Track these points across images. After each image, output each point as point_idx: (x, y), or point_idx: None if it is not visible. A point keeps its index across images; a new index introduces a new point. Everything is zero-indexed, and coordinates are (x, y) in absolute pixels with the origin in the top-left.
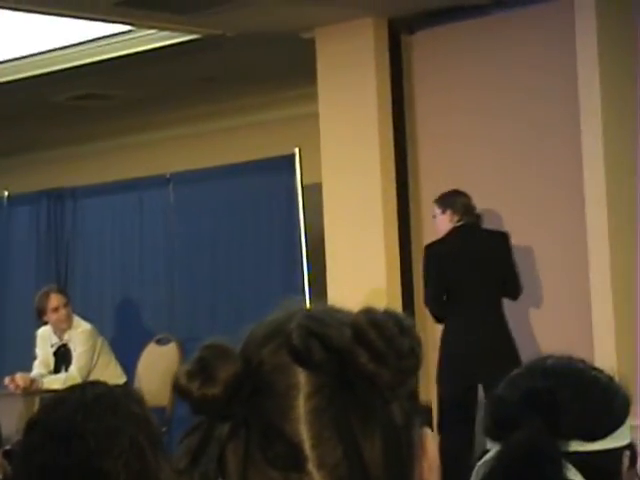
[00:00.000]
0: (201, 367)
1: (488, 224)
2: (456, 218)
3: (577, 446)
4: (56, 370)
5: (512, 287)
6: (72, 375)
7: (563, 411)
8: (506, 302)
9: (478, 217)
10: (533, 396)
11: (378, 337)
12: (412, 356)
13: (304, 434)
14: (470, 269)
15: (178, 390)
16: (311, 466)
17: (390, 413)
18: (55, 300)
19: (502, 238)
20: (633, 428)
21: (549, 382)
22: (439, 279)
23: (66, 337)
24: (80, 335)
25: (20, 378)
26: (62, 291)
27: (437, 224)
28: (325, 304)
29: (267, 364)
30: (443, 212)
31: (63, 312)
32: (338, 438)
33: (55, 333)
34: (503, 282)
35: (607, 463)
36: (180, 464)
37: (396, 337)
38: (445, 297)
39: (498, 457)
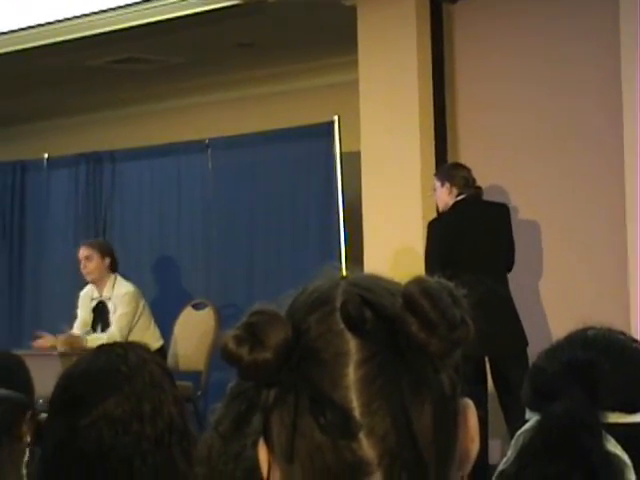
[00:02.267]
0: (251, 332)
1: (525, 194)
2: (455, 191)
3: (617, 418)
4: (93, 326)
5: (508, 259)
6: (113, 335)
7: (603, 382)
8: (543, 278)
9: (479, 189)
10: (573, 367)
11: (431, 307)
12: (463, 327)
13: (354, 402)
14: (475, 242)
15: (227, 355)
16: (361, 434)
17: (440, 383)
18: (81, 251)
19: (503, 209)
20: None
21: (589, 353)
22: (445, 252)
23: (105, 294)
24: (125, 297)
25: (44, 340)
26: (93, 245)
27: (436, 197)
28: (365, 272)
29: (314, 331)
30: (442, 185)
31: (85, 264)
32: (388, 407)
33: (96, 288)
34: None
35: None
36: (225, 430)
37: (449, 307)
38: (452, 270)
39: (537, 427)
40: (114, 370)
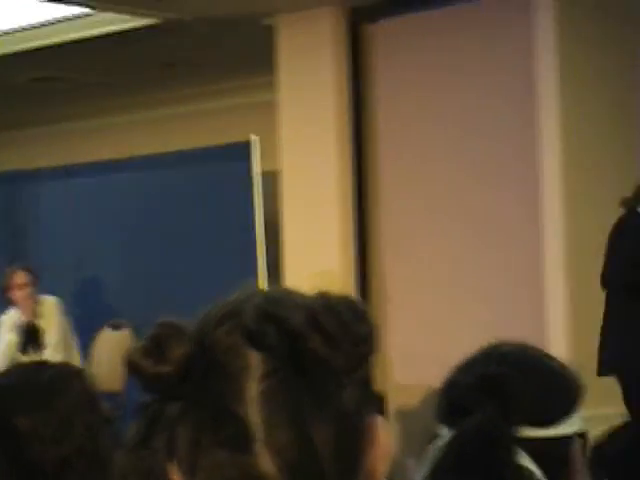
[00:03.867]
0: (155, 344)
1: (440, 226)
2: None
3: (528, 432)
4: (24, 350)
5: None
6: (51, 350)
7: (514, 397)
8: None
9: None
10: (485, 381)
11: (332, 321)
12: (367, 342)
13: (255, 416)
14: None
15: (131, 367)
16: (259, 447)
17: (342, 399)
18: (20, 277)
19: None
20: (587, 418)
21: (502, 368)
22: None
23: (31, 315)
24: (54, 307)
25: None
26: (29, 270)
27: None
28: (283, 287)
29: (221, 345)
30: None
31: (27, 290)
32: (289, 422)
33: (22, 313)
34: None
35: (558, 450)
36: (134, 447)
37: (351, 322)
38: None
39: (450, 442)
40: (26, 388)
